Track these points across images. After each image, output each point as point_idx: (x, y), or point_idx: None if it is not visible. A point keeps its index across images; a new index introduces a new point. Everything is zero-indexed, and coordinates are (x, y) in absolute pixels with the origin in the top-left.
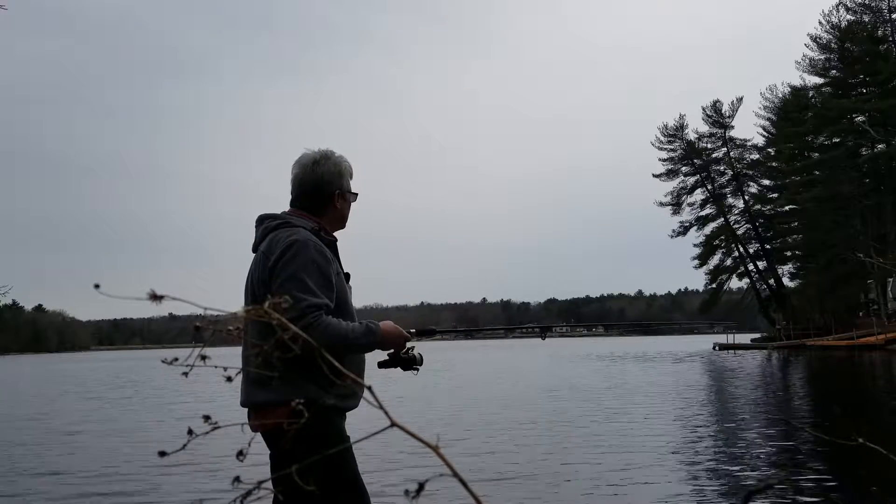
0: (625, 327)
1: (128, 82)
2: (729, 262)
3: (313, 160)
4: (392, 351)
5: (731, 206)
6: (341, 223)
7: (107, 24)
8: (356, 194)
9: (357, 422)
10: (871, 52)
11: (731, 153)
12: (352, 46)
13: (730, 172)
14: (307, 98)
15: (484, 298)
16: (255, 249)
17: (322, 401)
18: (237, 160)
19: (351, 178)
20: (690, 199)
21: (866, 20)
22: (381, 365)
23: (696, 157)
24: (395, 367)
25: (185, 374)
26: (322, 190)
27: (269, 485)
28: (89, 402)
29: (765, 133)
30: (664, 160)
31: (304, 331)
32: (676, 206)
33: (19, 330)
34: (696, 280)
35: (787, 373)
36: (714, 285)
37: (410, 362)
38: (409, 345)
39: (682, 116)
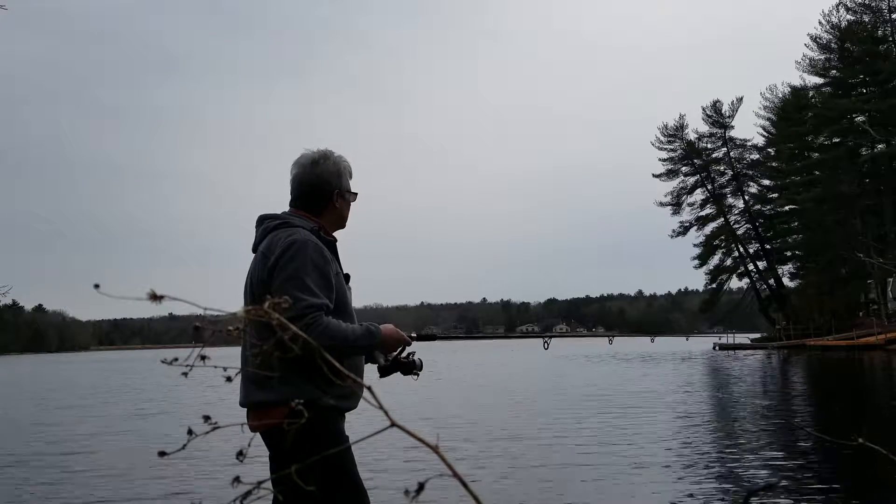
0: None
1: (128, 82)
2: (729, 262)
3: (312, 160)
4: (391, 355)
5: (731, 206)
6: (341, 223)
7: (107, 24)
8: (355, 194)
9: (357, 422)
10: (871, 52)
11: (731, 153)
12: (352, 47)
13: (730, 172)
14: (307, 98)
15: (484, 298)
16: (254, 249)
17: (321, 401)
18: (237, 160)
19: (350, 177)
20: (690, 199)
21: (866, 20)
22: (382, 371)
23: (696, 157)
24: (395, 371)
25: (185, 374)
26: (321, 190)
27: (269, 485)
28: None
29: (765, 133)
30: (664, 160)
31: (303, 331)
32: (676, 206)
33: (19, 330)
34: (696, 280)
35: (787, 373)
36: (714, 285)
37: (410, 367)
38: (409, 350)
39: (682, 116)
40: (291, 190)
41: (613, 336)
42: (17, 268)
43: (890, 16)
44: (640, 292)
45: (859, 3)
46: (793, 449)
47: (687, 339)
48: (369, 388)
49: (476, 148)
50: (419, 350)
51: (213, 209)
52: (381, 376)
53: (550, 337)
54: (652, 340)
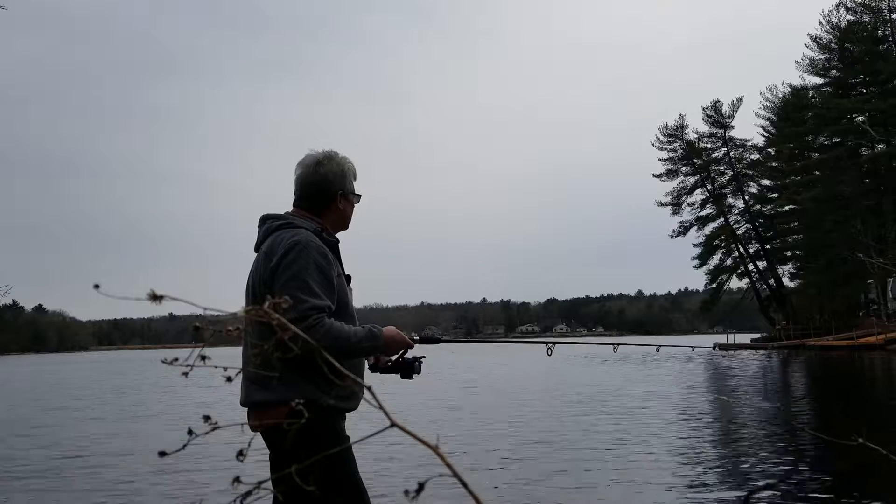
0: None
1: (127, 83)
2: (729, 262)
3: (316, 161)
4: (393, 357)
5: (731, 206)
6: (343, 224)
7: (106, 24)
8: (359, 196)
9: (357, 422)
10: (871, 52)
11: (731, 153)
12: (352, 47)
13: (730, 172)
14: (306, 98)
15: (484, 298)
16: (256, 249)
17: (321, 401)
18: (236, 160)
19: (354, 179)
20: (690, 199)
21: (866, 20)
22: (382, 371)
23: (696, 157)
24: (396, 372)
25: (186, 374)
26: (324, 191)
27: (269, 485)
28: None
29: (765, 133)
30: (664, 160)
31: (305, 332)
32: (676, 206)
33: (19, 330)
34: (696, 280)
35: (787, 373)
36: (714, 285)
37: (409, 369)
38: (410, 352)
39: (682, 116)
40: (295, 190)
41: (618, 345)
42: (17, 268)
43: (890, 16)
44: (640, 292)
45: (859, 3)
46: (793, 449)
47: (693, 350)
48: (369, 389)
49: (476, 148)
50: (419, 353)
51: (213, 209)
52: (376, 371)
53: (554, 343)
54: (657, 350)
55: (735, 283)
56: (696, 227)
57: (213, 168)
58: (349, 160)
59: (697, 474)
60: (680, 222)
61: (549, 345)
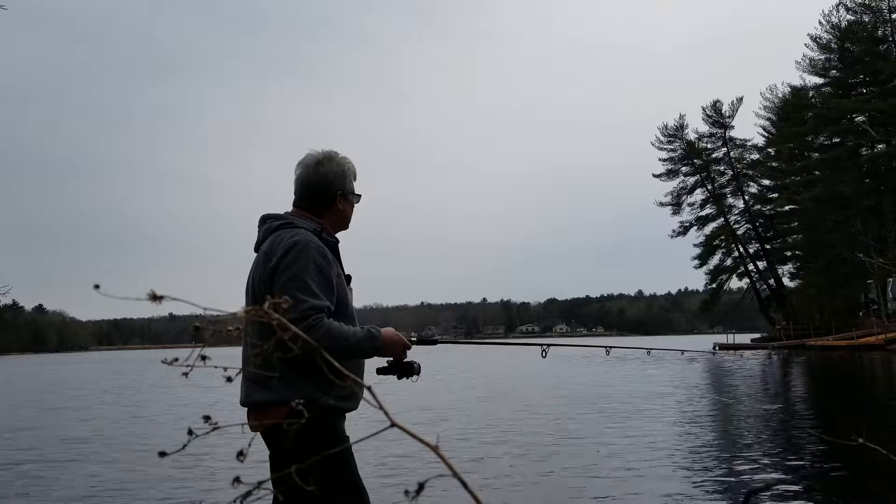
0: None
1: (127, 83)
2: (729, 262)
3: (316, 160)
4: (391, 358)
5: (731, 206)
6: (343, 224)
7: (106, 24)
8: (359, 196)
9: (357, 422)
10: (871, 52)
11: (731, 153)
12: (352, 47)
13: (730, 172)
14: (306, 98)
15: (484, 298)
16: (256, 249)
17: (321, 401)
18: (236, 160)
19: (354, 179)
20: (690, 199)
21: (866, 20)
22: (380, 371)
23: (696, 157)
24: (394, 374)
25: (186, 374)
26: (324, 191)
27: (269, 485)
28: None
29: (765, 133)
30: (664, 160)
31: (305, 333)
32: (676, 206)
33: (19, 330)
34: (696, 280)
35: (787, 373)
36: (714, 285)
37: (409, 370)
38: (409, 353)
39: (682, 116)
40: (295, 190)
41: (610, 347)
42: (17, 268)
43: (890, 16)
44: (640, 292)
45: (859, 3)
46: (793, 449)
47: (682, 354)
48: (369, 389)
49: (476, 148)
50: (419, 354)
51: (213, 209)
52: (378, 374)
53: (549, 345)
54: (648, 353)
55: (735, 283)
56: (696, 227)
57: (213, 168)
58: (349, 160)
59: (697, 474)
60: (680, 222)
61: (544, 347)
